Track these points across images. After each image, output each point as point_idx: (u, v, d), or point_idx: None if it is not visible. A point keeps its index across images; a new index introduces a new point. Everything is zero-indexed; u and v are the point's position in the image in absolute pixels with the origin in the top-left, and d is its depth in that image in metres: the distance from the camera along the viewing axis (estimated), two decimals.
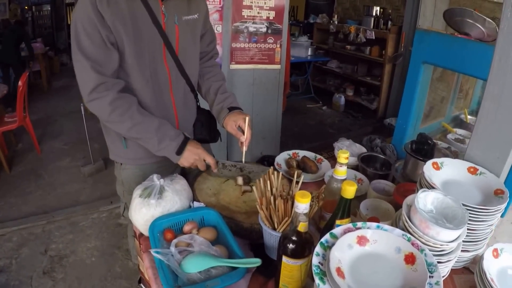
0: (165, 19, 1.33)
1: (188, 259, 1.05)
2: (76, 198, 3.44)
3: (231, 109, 1.53)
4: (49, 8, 8.97)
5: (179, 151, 1.37)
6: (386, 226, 0.96)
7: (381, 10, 5.67)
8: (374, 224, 0.96)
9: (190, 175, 1.57)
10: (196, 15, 1.44)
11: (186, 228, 1.20)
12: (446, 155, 1.57)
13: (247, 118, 1.47)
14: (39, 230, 2.94)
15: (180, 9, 1.38)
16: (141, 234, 1.28)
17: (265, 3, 3.01)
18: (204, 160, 1.43)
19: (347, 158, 1.14)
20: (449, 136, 1.95)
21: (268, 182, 1.16)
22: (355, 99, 6.09)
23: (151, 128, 1.32)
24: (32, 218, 3.07)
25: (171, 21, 1.36)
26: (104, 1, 1.19)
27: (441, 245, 0.93)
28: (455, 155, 1.69)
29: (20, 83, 3.77)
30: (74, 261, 2.64)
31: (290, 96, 6.40)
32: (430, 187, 1.09)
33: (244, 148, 1.48)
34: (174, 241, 1.11)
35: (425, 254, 0.88)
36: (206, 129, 1.67)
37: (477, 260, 1.07)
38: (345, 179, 1.15)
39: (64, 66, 8.50)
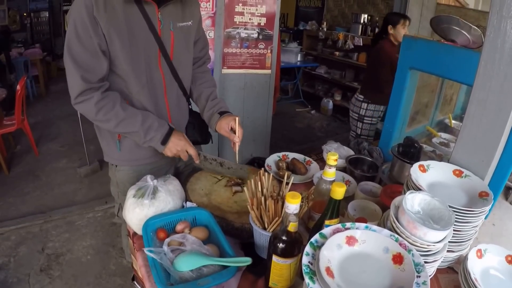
0: (161, 25, 1.35)
1: (180, 257, 1.06)
2: (72, 198, 3.49)
3: (221, 113, 1.56)
4: (47, 15, 8.98)
5: (164, 141, 1.39)
6: (375, 227, 0.97)
7: (369, 17, 5.76)
8: (363, 224, 0.98)
9: (183, 175, 1.58)
10: (190, 22, 1.46)
11: (179, 227, 1.21)
12: (431, 158, 1.60)
13: (237, 119, 1.50)
14: (36, 229, 2.99)
15: (175, 16, 1.40)
16: (135, 233, 1.29)
17: (256, 10, 3.04)
18: (187, 152, 1.45)
19: (336, 160, 1.16)
20: (434, 140, 1.99)
21: (259, 183, 1.17)
22: (343, 103, 6.15)
23: (136, 123, 1.34)
24: (30, 218, 3.12)
25: (167, 27, 1.37)
26: (101, 6, 1.19)
27: (428, 245, 0.95)
28: (440, 158, 1.72)
29: (18, 87, 3.79)
30: (70, 259, 2.69)
31: (280, 100, 6.45)
32: (417, 189, 1.11)
33: (237, 148, 1.51)
34: (167, 240, 1.12)
35: (412, 254, 0.89)
36: (198, 131, 1.69)
37: (462, 260, 1.09)
38: (333, 181, 1.17)
39: (61, 71, 8.49)
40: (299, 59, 6.35)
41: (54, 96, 6.62)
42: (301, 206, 1.11)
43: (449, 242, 1.05)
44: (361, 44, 5.51)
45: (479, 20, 4.07)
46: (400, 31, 3.02)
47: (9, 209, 3.26)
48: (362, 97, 3.27)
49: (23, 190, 3.57)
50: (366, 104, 3.25)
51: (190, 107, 1.70)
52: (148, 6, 1.30)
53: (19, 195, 3.49)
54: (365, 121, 3.31)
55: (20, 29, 8.11)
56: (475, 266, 1.06)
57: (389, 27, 3.09)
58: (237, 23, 3.03)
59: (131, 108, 1.37)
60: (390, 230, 0.98)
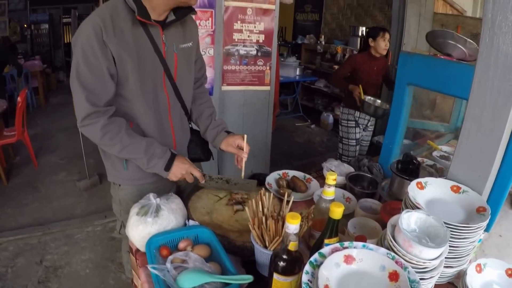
0: (165, 47, 1.40)
1: (183, 275, 1.07)
2: (71, 211, 3.50)
3: (228, 132, 1.63)
4: (47, 27, 9.13)
5: (167, 167, 1.42)
6: (372, 245, 0.99)
7: (367, 30, 5.81)
8: (360, 243, 1.00)
9: (184, 193, 1.61)
10: (190, 43, 1.52)
11: (181, 245, 1.22)
12: (431, 173, 1.61)
13: (245, 136, 1.56)
14: (35, 241, 2.99)
15: (177, 38, 1.45)
16: (138, 250, 1.30)
17: (255, 27, 3.08)
18: (192, 174, 1.48)
19: (335, 179, 1.18)
20: (435, 153, 2.00)
21: (260, 202, 1.20)
22: None
23: (139, 149, 1.38)
24: (28, 229, 3.13)
25: (170, 49, 1.42)
26: (110, 31, 1.23)
27: (423, 262, 0.96)
28: (441, 171, 1.73)
29: (19, 99, 3.85)
30: (69, 272, 2.68)
31: (279, 115, 6.46)
32: (415, 207, 1.12)
33: (243, 164, 1.56)
34: (170, 257, 1.14)
35: (408, 271, 0.91)
36: (200, 149, 1.73)
37: (461, 275, 1.10)
38: (333, 200, 1.19)
39: (60, 83, 8.66)
40: (298, 73, 6.40)
41: (53, 108, 6.70)
42: (301, 226, 1.13)
43: (448, 258, 1.06)
44: None
45: (477, 27, 4.08)
46: (380, 43, 3.27)
47: (8, 220, 3.28)
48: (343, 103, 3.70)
49: (22, 202, 3.60)
50: (341, 108, 3.67)
51: (190, 126, 1.73)
52: (153, 28, 1.35)
53: (18, 206, 3.52)
54: (342, 123, 3.66)
55: (20, 41, 8.22)
56: (474, 281, 1.07)
57: (370, 40, 3.34)
58: (236, 40, 3.08)
59: (136, 135, 1.40)
60: (387, 248, 1.00)
